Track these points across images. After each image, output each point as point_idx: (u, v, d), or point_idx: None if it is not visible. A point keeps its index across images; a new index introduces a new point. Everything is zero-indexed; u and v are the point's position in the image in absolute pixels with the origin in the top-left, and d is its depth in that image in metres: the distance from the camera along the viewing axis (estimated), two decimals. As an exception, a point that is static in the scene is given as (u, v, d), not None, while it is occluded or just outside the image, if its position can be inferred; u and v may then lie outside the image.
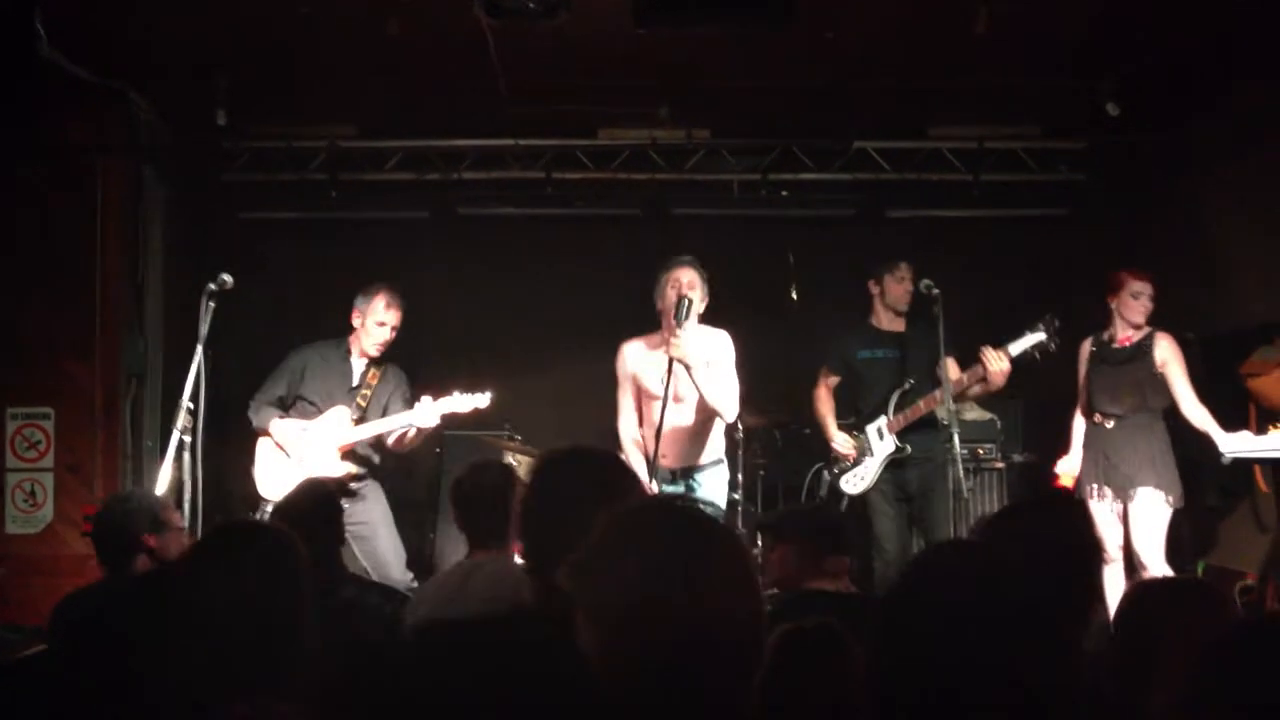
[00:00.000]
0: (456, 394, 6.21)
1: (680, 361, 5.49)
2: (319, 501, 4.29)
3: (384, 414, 6.35)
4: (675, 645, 1.61)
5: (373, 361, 6.41)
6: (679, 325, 5.54)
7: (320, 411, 6.30)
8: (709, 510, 2.06)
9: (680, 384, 5.63)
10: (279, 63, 6.56)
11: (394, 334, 6.37)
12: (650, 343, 5.91)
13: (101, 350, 6.70)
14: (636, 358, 5.96)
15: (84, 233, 6.71)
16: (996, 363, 6.02)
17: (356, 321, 6.37)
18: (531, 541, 2.44)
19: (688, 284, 5.72)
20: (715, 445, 5.96)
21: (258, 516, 6.15)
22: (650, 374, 5.81)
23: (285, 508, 4.33)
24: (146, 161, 7.05)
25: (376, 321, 6.31)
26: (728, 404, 5.74)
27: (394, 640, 3.87)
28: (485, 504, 3.81)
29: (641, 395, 5.91)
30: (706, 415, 5.81)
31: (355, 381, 6.39)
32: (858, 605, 3.54)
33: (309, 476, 5.18)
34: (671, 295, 5.71)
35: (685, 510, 1.80)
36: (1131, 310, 6.20)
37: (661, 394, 5.51)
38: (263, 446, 6.31)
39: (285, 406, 6.35)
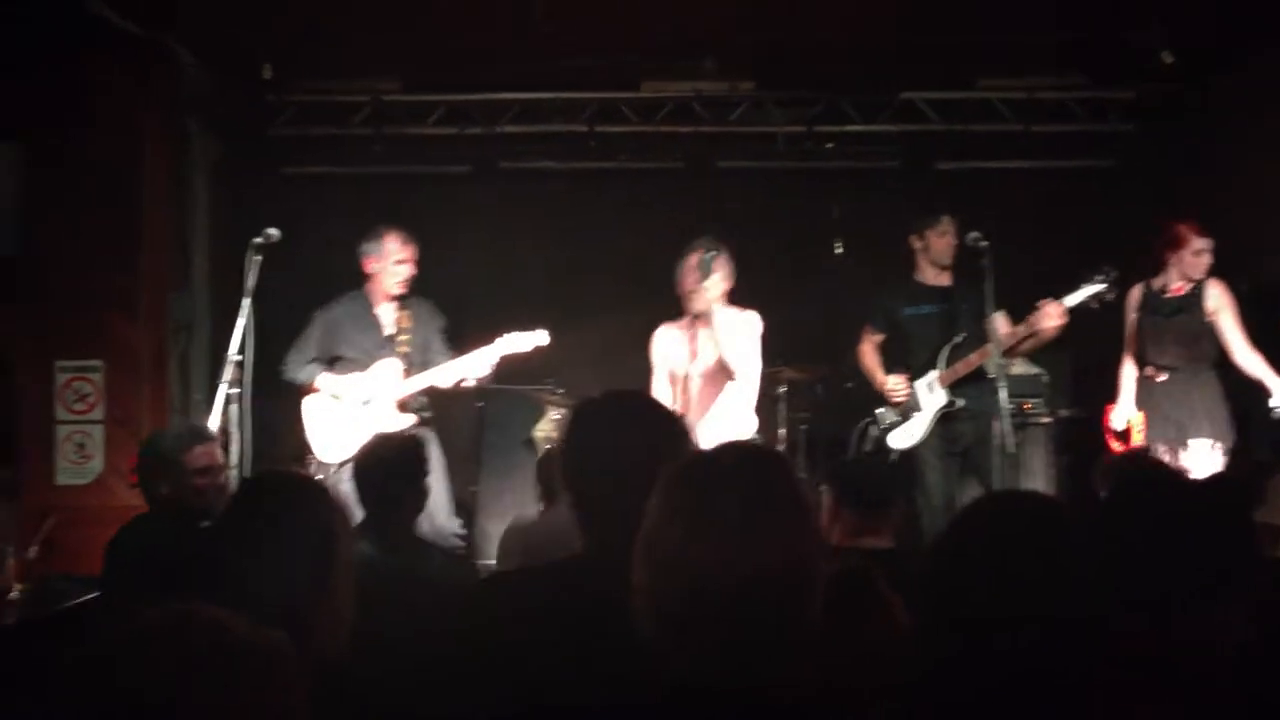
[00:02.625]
0: (510, 334, 6.15)
1: (704, 315, 5.50)
2: (406, 459, 4.18)
3: (426, 352, 6.30)
4: (730, 593, 1.59)
5: (399, 303, 6.35)
6: (703, 278, 5.57)
7: (364, 367, 6.26)
8: None
9: (707, 355, 5.64)
10: (323, 17, 6.54)
11: (415, 267, 6.30)
12: (679, 325, 6.00)
13: (149, 304, 6.75)
14: (667, 341, 6.05)
15: (131, 186, 6.74)
16: (1052, 319, 5.95)
17: (376, 267, 6.29)
18: (575, 490, 2.43)
19: (705, 249, 5.76)
20: (745, 423, 5.94)
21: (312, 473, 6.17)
22: (679, 354, 5.89)
23: (369, 463, 4.17)
24: (192, 116, 7.07)
25: (396, 260, 6.25)
26: (748, 370, 5.77)
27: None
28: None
29: (673, 379, 5.98)
30: (733, 387, 5.85)
31: (389, 329, 6.34)
32: (879, 560, 3.49)
33: (383, 433, 5.10)
34: (690, 279, 5.76)
35: (748, 455, 1.77)
36: (1192, 267, 6.09)
37: (688, 369, 5.55)
38: (310, 405, 6.28)
39: (324, 365, 6.32)
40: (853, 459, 6.20)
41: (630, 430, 2.35)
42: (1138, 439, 6.19)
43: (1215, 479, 3.36)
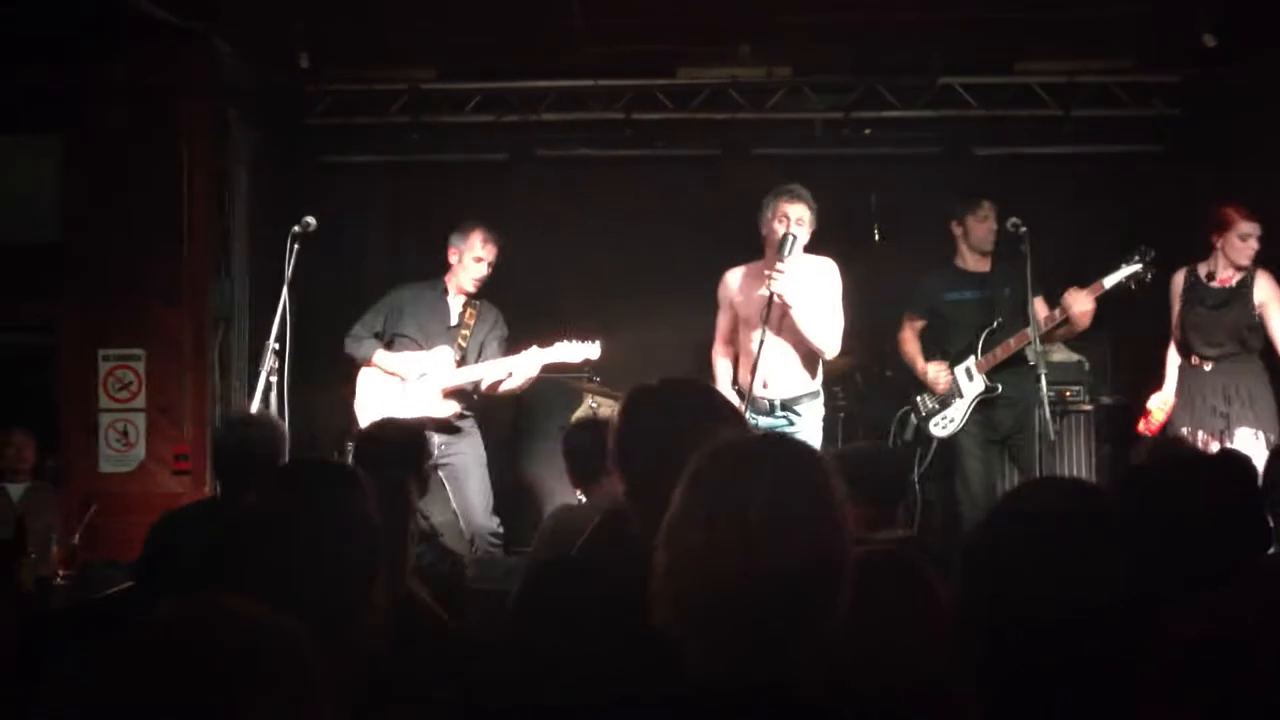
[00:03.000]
0: (565, 342, 6.18)
1: (779, 298, 5.43)
2: (406, 444, 4.22)
3: (480, 354, 6.38)
4: (750, 589, 1.57)
5: (469, 300, 6.45)
6: (781, 260, 5.46)
7: (421, 349, 6.35)
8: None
9: (779, 316, 5.56)
10: (360, 6, 6.56)
11: (490, 270, 6.40)
12: (753, 271, 5.80)
13: (189, 293, 6.80)
14: (738, 285, 5.88)
15: (170, 176, 6.79)
16: (1080, 304, 5.90)
17: (454, 258, 6.41)
18: (629, 477, 2.41)
19: (796, 220, 5.62)
20: (809, 378, 5.80)
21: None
22: (749, 304, 5.72)
23: (369, 445, 4.29)
24: (231, 106, 7.10)
25: (474, 257, 6.36)
26: (829, 340, 5.64)
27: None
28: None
29: (740, 323, 5.85)
30: (806, 348, 5.70)
31: (454, 320, 6.44)
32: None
33: (389, 417, 5.22)
34: (778, 229, 5.60)
35: (775, 445, 1.75)
36: (1238, 252, 6.00)
37: (759, 325, 5.44)
38: (365, 379, 6.38)
39: (383, 342, 6.41)
40: (850, 448, 6.11)
41: (686, 417, 2.34)
42: (1158, 418, 6.13)
43: (1222, 456, 3.32)
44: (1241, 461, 2.82)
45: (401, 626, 2.39)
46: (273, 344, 5.47)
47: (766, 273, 5.50)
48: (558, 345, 6.18)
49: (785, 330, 5.63)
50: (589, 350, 6.18)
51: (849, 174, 7.91)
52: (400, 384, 6.30)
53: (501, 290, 6.94)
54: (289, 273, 5.59)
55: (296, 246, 5.65)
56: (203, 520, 3.98)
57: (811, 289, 5.60)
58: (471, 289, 6.42)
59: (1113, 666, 1.60)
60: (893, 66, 7.45)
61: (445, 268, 6.49)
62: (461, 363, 6.33)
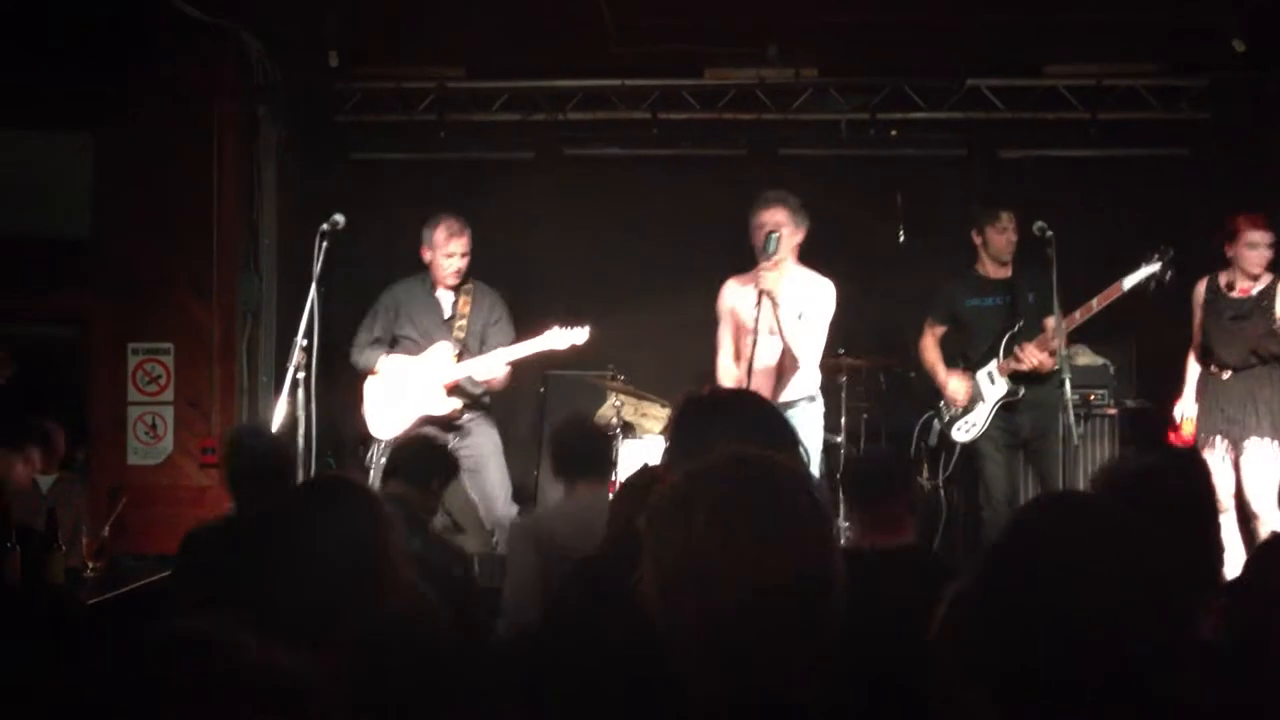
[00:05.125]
0: (554, 329, 6.20)
1: (767, 294, 5.49)
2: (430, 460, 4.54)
3: (482, 342, 6.37)
4: (734, 606, 1.55)
5: (460, 289, 6.42)
6: (767, 258, 5.53)
7: (421, 348, 6.34)
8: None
9: (768, 318, 5.61)
10: (389, 4, 6.60)
11: (465, 260, 6.33)
12: (747, 279, 5.89)
13: (219, 288, 6.85)
14: (734, 294, 5.99)
15: (201, 172, 6.85)
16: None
17: (427, 257, 6.36)
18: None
19: (774, 223, 5.69)
20: (805, 382, 5.87)
21: (368, 454, 6.34)
22: (744, 309, 5.80)
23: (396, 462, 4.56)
24: (260, 102, 7.16)
25: (444, 254, 6.29)
26: (806, 352, 5.72)
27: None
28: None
29: (739, 331, 5.92)
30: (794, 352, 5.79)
31: (448, 313, 6.40)
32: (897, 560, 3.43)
33: (420, 432, 5.48)
34: (759, 235, 5.69)
35: (759, 469, 1.71)
36: (1248, 261, 6.00)
37: (753, 328, 5.52)
38: (370, 386, 6.39)
39: (386, 345, 6.41)
40: (857, 457, 6.12)
41: (739, 427, 2.34)
42: (1188, 431, 6.13)
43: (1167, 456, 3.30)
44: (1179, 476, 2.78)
45: (403, 633, 2.40)
46: (300, 340, 5.50)
47: (757, 274, 5.58)
48: (548, 333, 6.19)
49: (775, 333, 5.70)
50: (575, 336, 6.17)
51: (874, 175, 7.92)
52: (403, 386, 6.28)
53: (525, 289, 7.00)
54: (317, 269, 5.62)
55: (325, 244, 5.68)
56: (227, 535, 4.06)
57: (800, 298, 5.69)
58: (452, 282, 6.36)
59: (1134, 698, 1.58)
60: (919, 68, 7.45)
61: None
62: (462, 354, 6.31)
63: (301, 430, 5.45)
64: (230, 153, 6.93)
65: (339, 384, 6.54)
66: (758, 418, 2.45)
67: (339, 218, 5.73)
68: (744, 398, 2.58)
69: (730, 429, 2.34)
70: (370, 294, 6.68)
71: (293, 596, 2.17)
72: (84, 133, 6.89)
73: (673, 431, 2.46)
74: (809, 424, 5.85)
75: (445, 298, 6.43)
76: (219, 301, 6.85)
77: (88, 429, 7.01)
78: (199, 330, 6.83)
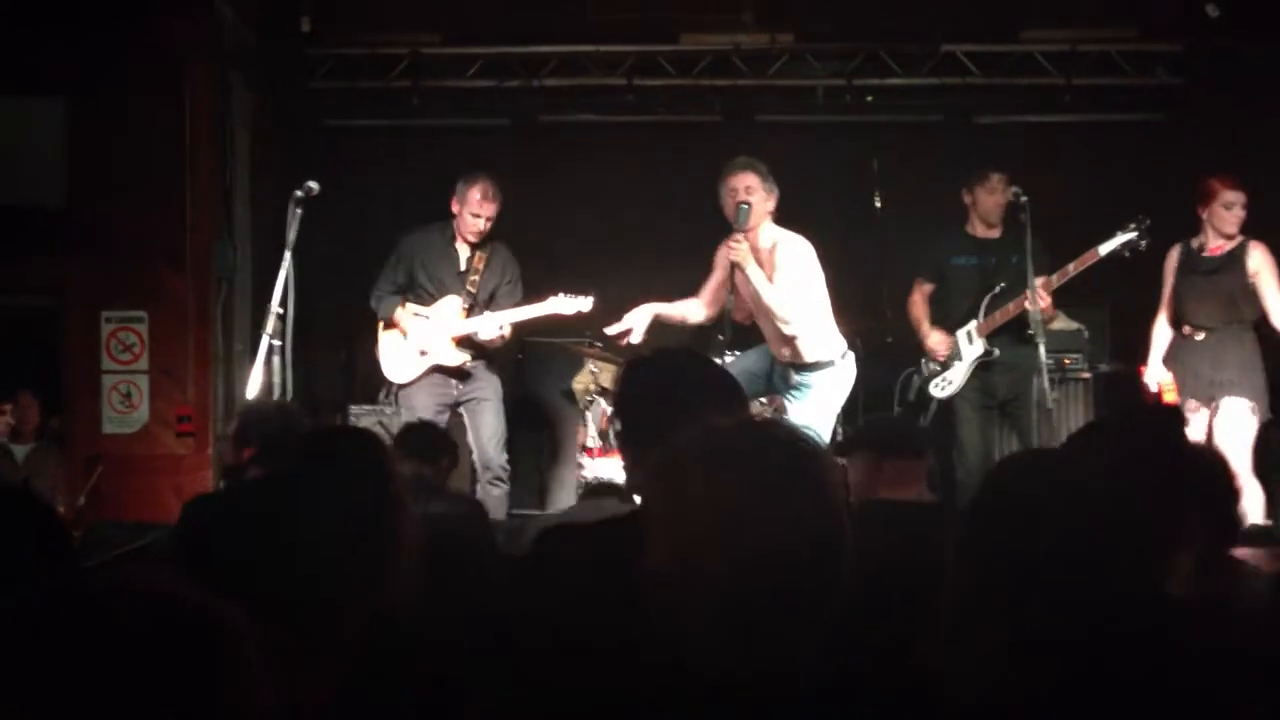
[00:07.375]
0: (559, 296, 6.44)
1: (739, 267, 5.49)
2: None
3: (491, 300, 6.56)
4: (743, 570, 1.54)
5: (477, 245, 6.58)
6: (738, 229, 5.53)
7: (435, 298, 6.54)
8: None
9: (748, 288, 5.61)
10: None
11: (489, 224, 6.50)
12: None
13: (192, 255, 6.82)
14: (722, 251, 5.87)
15: (174, 138, 6.79)
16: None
17: (455, 208, 6.53)
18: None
19: (745, 189, 5.62)
20: (818, 346, 5.72)
21: (382, 395, 6.75)
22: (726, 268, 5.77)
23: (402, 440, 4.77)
24: (233, 69, 7.10)
25: (471, 212, 6.46)
26: (787, 311, 5.56)
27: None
28: None
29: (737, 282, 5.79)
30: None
31: (463, 266, 6.58)
32: (924, 514, 3.46)
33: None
34: (730, 203, 5.65)
35: (771, 436, 1.70)
36: (1223, 221, 6.03)
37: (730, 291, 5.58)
38: (386, 336, 6.60)
39: (405, 292, 6.59)
40: (881, 414, 6.17)
41: (683, 386, 2.36)
42: (1170, 397, 6.17)
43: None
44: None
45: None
46: (275, 308, 5.48)
47: (728, 245, 5.57)
48: (553, 299, 6.44)
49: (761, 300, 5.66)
50: (581, 304, 6.42)
51: (851, 141, 7.92)
52: (414, 337, 6.51)
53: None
54: (291, 237, 5.59)
55: (299, 210, 5.65)
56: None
57: (774, 262, 5.61)
58: (472, 239, 6.57)
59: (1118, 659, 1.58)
60: (895, 34, 7.44)
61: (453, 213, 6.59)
62: (471, 309, 6.51)
63: (278, 398, 5.44)
64: (203, 119, 6.88)
65: (314, 350, 6.55)
66: (703, 379, 2.45)
67: (313, 184, 5.70)
68: (690, 358, 2.58)
69: (679, 388, 2.35)
70: (345, 261, 6.66)
71: (308, 559, 2.16)
72: (56, 99, 6.82)
73: (621, 392, 2.47)
74: (826, 388, 5.72)
75: (463, 251, 6.60)
76: (193, 269, 6.81)
77: (63, 398, 6.97)
78: (173, 298, 6.80)
